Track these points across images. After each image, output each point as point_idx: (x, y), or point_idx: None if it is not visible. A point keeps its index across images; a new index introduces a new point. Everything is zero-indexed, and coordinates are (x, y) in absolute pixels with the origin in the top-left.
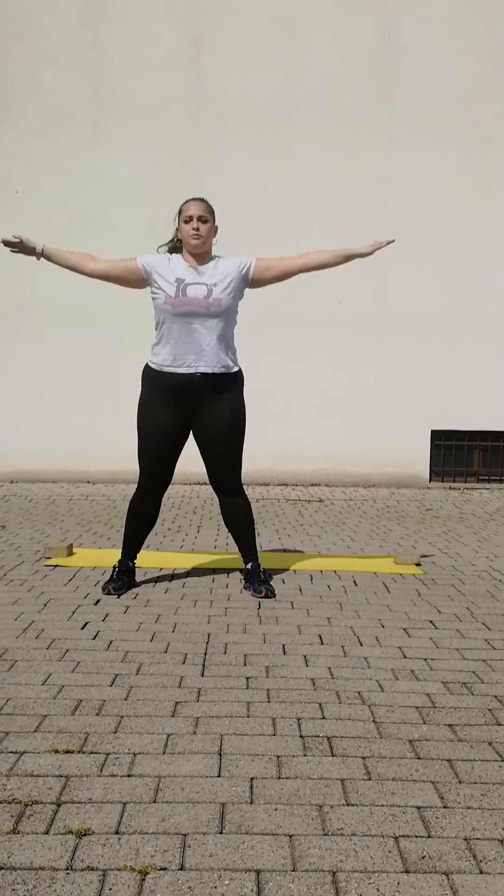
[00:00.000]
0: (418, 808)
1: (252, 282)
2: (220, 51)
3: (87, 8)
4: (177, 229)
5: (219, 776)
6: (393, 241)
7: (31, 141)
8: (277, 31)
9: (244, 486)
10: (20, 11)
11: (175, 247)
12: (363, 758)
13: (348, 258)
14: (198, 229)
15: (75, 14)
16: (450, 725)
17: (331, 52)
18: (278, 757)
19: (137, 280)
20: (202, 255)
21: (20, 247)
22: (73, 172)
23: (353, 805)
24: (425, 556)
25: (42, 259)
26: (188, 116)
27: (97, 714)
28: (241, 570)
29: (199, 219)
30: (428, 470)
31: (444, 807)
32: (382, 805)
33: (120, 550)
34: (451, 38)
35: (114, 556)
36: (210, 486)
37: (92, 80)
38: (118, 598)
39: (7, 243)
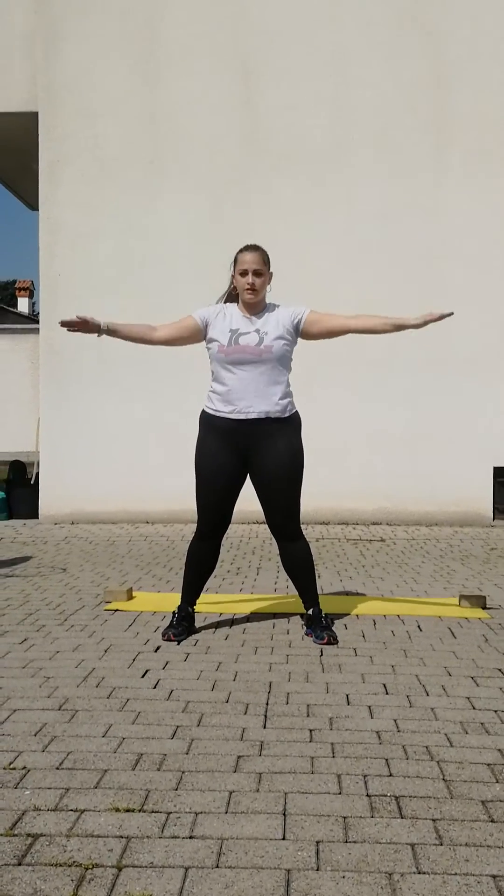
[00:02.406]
0: (494, 876)
1: (302, 333)
2: (272, 89)
3: (141, 54)
4: (232, 277)
5: (283, 839)
6: (451, 314)
7: (87, 188)
8: (328, 69)
9: (303, 526)
10: (76, 63)
11: (231, 295)
12: (433, 820)
13: (399, 328)
14: (252, 284)
15: (129, 61)
16: None
17: (382, 87)
18: (345, 818)
19: (198, 335)
20: (256, 305)
21: (83, 326)
22: (130, 218)
23: (424, 873)
24: (493, 603)
25: (104, 336)
26: (241, 155)
27: (158, 769)
28: (301, 615)
29: (254, 273)
30: (491, 508)
31: None
32: (456, 874)
33: (179, 594)
34: (501, 70)
35: (173, 599)
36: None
37: (146, 125)
38: (178, 644)
39: (67, 323)
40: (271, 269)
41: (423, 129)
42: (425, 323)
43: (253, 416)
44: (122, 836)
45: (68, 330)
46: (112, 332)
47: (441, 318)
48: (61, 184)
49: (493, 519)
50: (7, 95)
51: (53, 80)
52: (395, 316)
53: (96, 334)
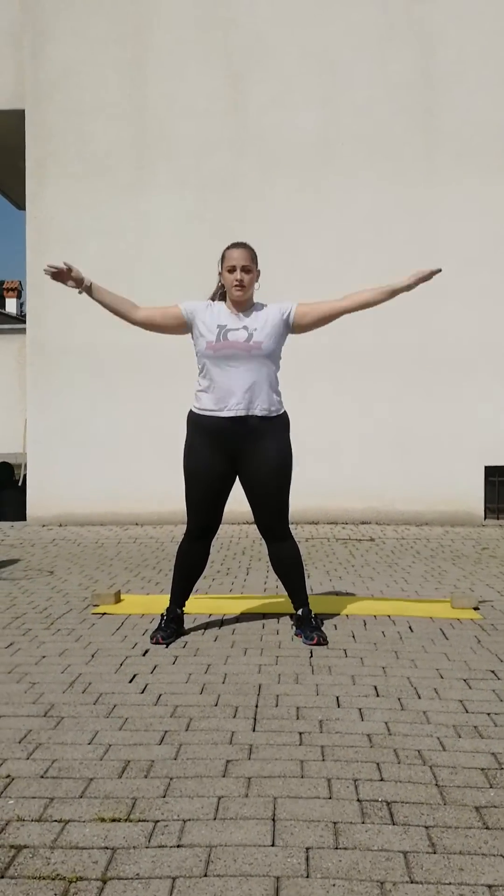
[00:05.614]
0: (489, 886)
1: (294, 327)
2: (261, 92)
3: (129, 55)
4: (220, 274)
5: (273, 845)
6: (440, 270)
7: (74, 187)
8: (317, 71)
9: (293, 525)
10: (63, 61)
11: (220, 292)
12: (426, 827)
13: (392, 293)
14: (241, 280)
15: (117, 61)
16: None
17: (371, 88)
18: (335, 824)
19: (181, 325)
20: (245, 302)
21: (66, 276)
22: (117, 217)
23: (417, 882)
24: (484, 600)
25: (83, 294)
26: (231, 158)
27: (145, 776)
28: (291, 616)
29: (243, 269)
30: (482, 507)
31: None
32: (450, 883)
33: (168, 596)
34: (491, 71)
35: (162, 602)
36: None
37: (134, 125)
38: (167, 647)
39: (52, 268)
40: (259, 267)
41: (414, 131)
42: (417, 282)
43: (242, 414)
44: (107, 847)
45: (52, 277)
46: (95, 291)
47: (431, 275)
48: (48, 182)
49: (485, 518)
50: None
51: (40, 78)
52: (386, 284)
53: (77, 290)
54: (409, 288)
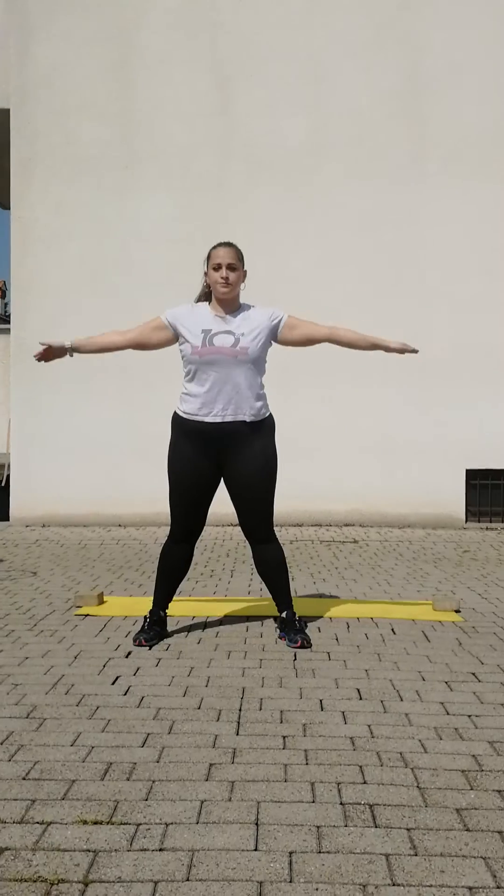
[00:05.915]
0: (470, 888)
1: (279, 337)
2: (249, 96)
3: (116, 57)
4: (205, 274)
5: (255, 850)
6: (416, 351)
7: (59, 187)
8: (305, 76)
9: (277, 528)
10: (49, 61)
11: (206, 293)
12: (408, 829)
13: (375, 346)
14: (226, 278)
15: (104, 63)
16: (499, 791)
17: (358, 94)
18: (318, 827)
19: (168, 337)
20: (230, 303)
21: (52, 351)
22: (103, 219)
23: (399, 885)
24: (466, 606)
25: (75, 354)
26: (217, 161)
27: (127, 779)
28: (275, 618)
29: (228, 266)
30: (464, 510)
31: (498, 887)
32: (431, 885)
33: (151, 598)
34: (477, 77)
35: (145, 604)
36: None
37: (121, 127)
38: (149, 649)
39: (39, 356)
40: (245, 268)
41: (400, 137)
42: (400, 350)
43: (227, 420)
44: (89, 850)
45: (45, 362)
46: (78, 348)
47: (414, 351)
48: (33, 182)
49: (466, 521)
50: None
51: (26, 78)
52: (374, 336)
53: (68, 354)
54: (390, 350)
